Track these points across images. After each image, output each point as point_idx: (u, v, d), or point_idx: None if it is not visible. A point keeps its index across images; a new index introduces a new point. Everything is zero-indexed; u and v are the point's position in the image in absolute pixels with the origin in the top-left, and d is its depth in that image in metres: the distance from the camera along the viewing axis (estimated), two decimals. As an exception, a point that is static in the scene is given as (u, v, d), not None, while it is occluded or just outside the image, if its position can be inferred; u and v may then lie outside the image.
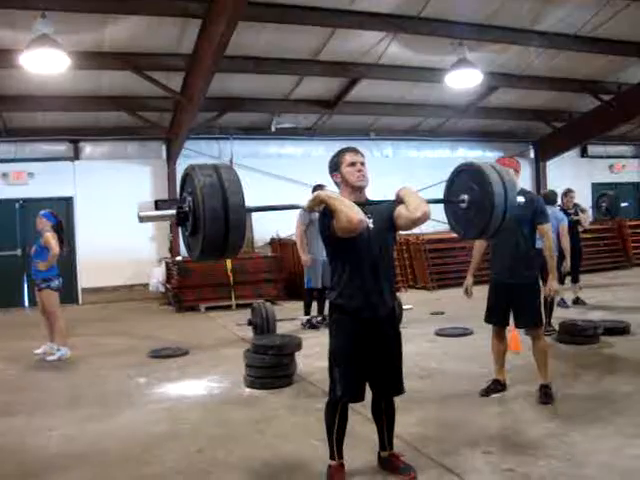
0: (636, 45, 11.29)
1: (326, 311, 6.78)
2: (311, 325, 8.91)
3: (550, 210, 6.87)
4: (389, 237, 3.79)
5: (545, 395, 5.18)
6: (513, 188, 3.94)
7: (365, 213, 3.50)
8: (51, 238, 7.55)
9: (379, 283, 3.68)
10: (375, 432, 4.05)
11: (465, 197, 3.96)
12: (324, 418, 3.84)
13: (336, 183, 3.79)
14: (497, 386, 5.48)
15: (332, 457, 3.83)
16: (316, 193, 3.54)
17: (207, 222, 3.01)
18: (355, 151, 3.75)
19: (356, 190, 3.70)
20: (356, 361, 3.68)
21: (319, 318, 8.82)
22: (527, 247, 5.22)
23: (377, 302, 3.68)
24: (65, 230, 8.16)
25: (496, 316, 5.39)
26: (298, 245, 8.97)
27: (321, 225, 3.66)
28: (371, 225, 3.62)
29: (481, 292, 5.51)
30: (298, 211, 8.33)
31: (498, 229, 3.89)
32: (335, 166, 3.74)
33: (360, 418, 4.52)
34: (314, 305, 9.13)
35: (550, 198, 8.70)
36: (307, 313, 9.10)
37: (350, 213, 3.36)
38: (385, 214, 3.70)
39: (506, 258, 5.23)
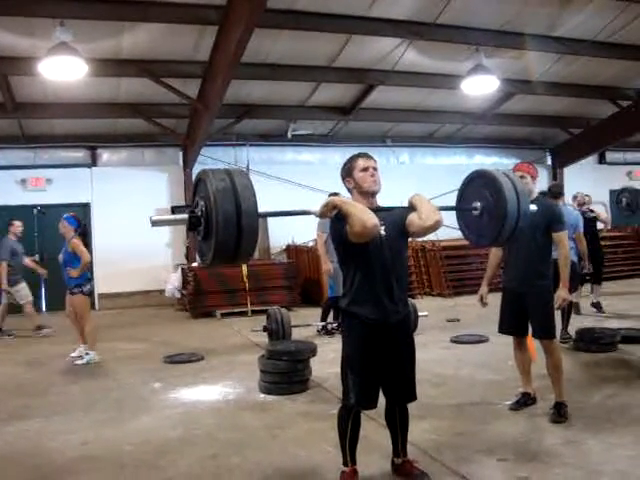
0: (654, 50, 11.19)
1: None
2: (326, 331, 8.90)
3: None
4: (401, 244, 3.77)
5: (558, 414, 4.84)
6: (526, 196, 3.89)
7: (378, 219, 3.47)
8: (80, 245, 7.58)
9: (391, 290, 3.65)
10: (389, 438, 4.02)
11: (477, 204, 3.92)
12: (337, 424, 3.81)
13: (348, 189, 3.77)
14: (527, 400, 5.21)
15: (345, 463, 3.81)
16: (329, 198, 3.53)
17: (219, 227, 2.98)
18: (367, 156, 3.74)
19: (368, 195, 3.68)
20: (369, 368, 3.66)
21: (334, 324, 8.80)
22: (541, 255, 4.97)
23: (388, 309, 3.65)
24: (84, 235, 8.21)
25: (508, 325, 5.18)
26: (320, 254, 9.00)
27: (333, 230, 3.65)
28: (383, 232, 3.60)
29: (498, 299, 5.37)
30: (317, 220, 8.34)
31: (511, 237, 3.83)
32: (348, 171, 3.73)
33: (374, 424, 4.51)
34: (330, 311, 9.12)
35: (554, 190, 7.91)
36: (324, 319, 9.09)
37: (364, 217, 3.36)
38: (397, 221, 3.68)
39: (519, 266, 5.03)
